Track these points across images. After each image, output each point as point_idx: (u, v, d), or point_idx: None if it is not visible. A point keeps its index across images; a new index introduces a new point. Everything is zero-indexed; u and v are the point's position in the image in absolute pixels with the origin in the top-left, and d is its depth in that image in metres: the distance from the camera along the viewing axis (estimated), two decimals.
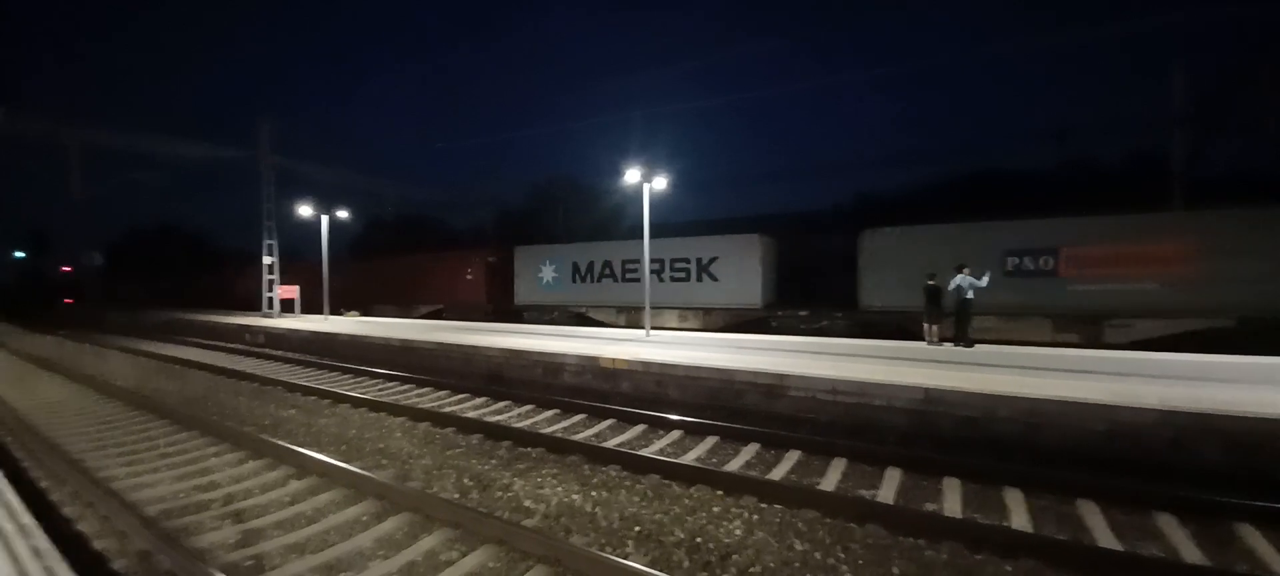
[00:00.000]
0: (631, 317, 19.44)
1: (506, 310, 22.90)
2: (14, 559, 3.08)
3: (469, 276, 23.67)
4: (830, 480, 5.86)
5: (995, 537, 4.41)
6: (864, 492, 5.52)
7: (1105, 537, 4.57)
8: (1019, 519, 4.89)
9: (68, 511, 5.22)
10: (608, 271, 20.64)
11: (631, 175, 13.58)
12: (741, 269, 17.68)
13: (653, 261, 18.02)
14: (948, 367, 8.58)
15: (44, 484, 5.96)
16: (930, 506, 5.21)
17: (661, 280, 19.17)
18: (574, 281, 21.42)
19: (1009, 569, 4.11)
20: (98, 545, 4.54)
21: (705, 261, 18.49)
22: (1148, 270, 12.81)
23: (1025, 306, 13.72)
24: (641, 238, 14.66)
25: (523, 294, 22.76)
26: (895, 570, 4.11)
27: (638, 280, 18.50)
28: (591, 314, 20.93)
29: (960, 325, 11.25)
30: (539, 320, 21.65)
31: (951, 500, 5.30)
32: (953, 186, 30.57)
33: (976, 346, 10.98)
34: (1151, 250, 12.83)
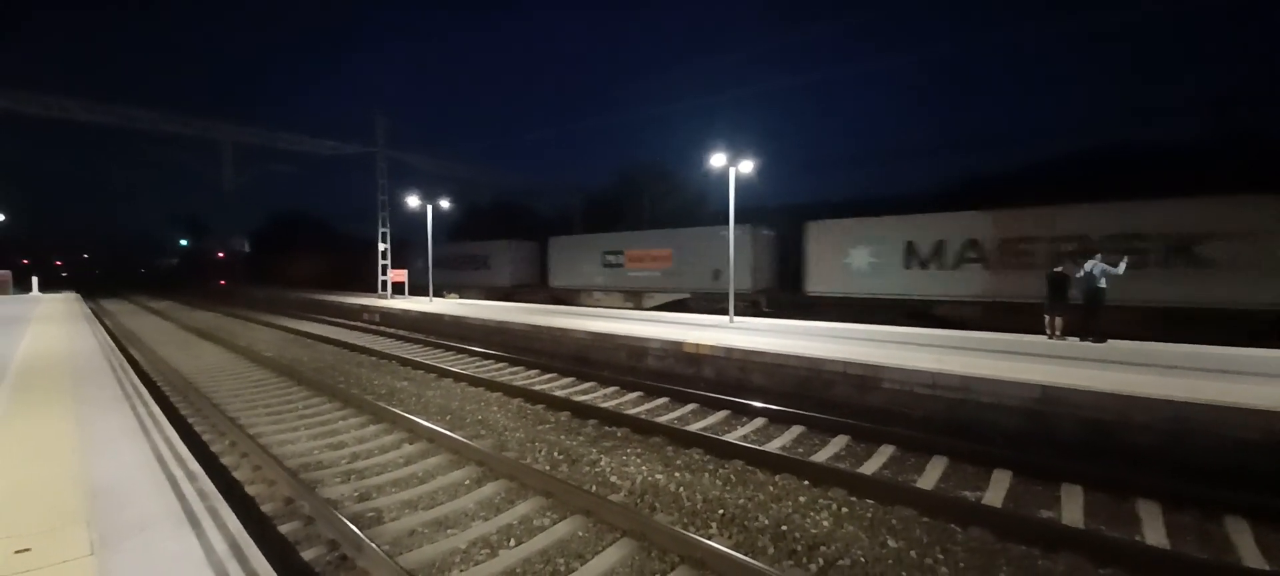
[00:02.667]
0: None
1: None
2: (182, 498, 3.66)
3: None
4: (929, 478, 5.53)
5: (1125, 552, 3.96)
6: (967, 494, 5.16)
7: (1254, 558, 3.98)
8: (1154, 534, 4.36)
9: (226, 460, 6.09)
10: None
11: (717, 160, 13.39)
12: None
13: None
14: (1070, 364, 7.75)
15: (207, 436, 6.98)
16: (1046, 514, 4.77)
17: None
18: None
19: None
20: (251, 490, 5.28)
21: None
22: (656, 265, 22.23)
23: (608, 286, 23.76)
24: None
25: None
26: None
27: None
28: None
29: (1090, 318, 10.07)
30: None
31: (1072, 509, 4.82)
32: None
33: (1109, 342, 9.80)
34: (656, 253, 22.28)
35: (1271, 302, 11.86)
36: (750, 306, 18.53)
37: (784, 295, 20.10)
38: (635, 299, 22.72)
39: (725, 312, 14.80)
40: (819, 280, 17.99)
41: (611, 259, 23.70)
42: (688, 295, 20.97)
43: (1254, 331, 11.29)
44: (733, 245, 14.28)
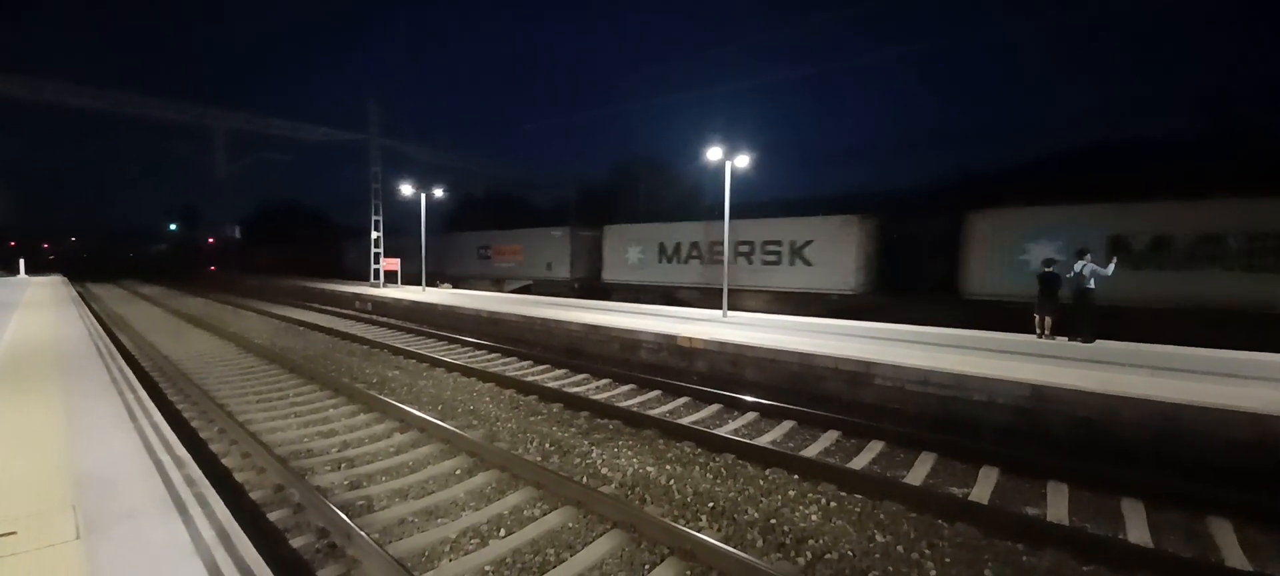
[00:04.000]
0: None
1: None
2: (170, 485, 3.64)
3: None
4: (917, 474, 5.58)
5: (1108, 549, 4.02)
6: (955, 490, 5.21)
7: (1236, 558, 4.05)
8: (1137, 532, 4.42)
9: (215, 447, 6.06)
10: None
11: (713, 153, 13.37)
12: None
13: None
14: (1060, 363, 7.82)
15: (195, 422, 6.94)
16: (1032, 510, 4.83)
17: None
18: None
19: None
20: (240, 477, 5.25)
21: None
22: (514, 259, 26.61)
23: (481, 273, 28.25)
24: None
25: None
26: (987, 572, 3.87)
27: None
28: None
29: (1079, 318, 10.17)
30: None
31: (1057, 505, 4.88)
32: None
33: (1097, 342, 9.90)
34: (512, 249, 26.74)
35: None
36: (569, 289, 23.45)
37: (595, 283, 23.93)
38: (498, 283, 27.41)
39: (549, 294, 15.79)
40: (609, 271, 23.11)
41: (483, 252, 28.63)
42: (531, 282, 25.74)
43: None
44: (728, 236, 14.30)
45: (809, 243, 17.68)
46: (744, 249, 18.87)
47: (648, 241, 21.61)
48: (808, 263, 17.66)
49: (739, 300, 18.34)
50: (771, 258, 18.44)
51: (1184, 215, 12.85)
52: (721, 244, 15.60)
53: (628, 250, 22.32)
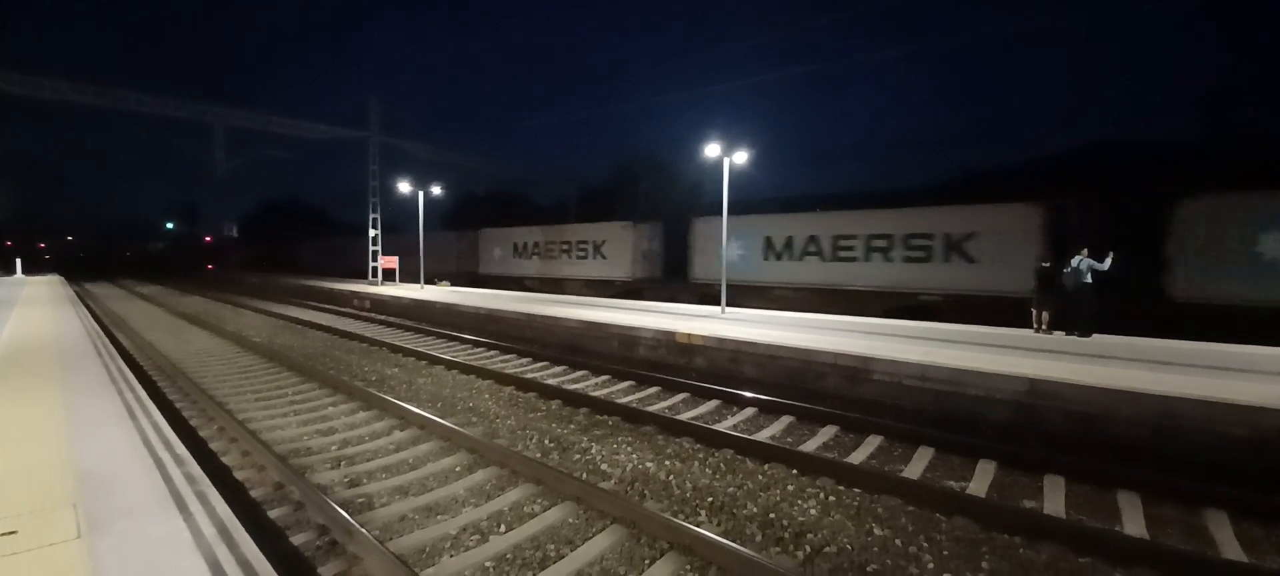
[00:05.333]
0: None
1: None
2: (170, 482, 3.64)
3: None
4: (915, 468, 5.60)
5: (1106, 542, 4.04)
6: (953, 483, 5.23)
7: (1233, 551, 4.07)
8: (1134, 526, 4.45)
9: (215, 445, 6.07)
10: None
11: (711, 149, 13.37)
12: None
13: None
14: (1057, 358, 7.84)
15: (194, 420, 6.95)
16: (1030, 504, 4.85)
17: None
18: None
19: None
20: (240, 475, 5.26)
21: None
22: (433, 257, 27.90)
23: (333, 267, 34.50)
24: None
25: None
26: (985, 566, 3.89)
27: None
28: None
29: (1077, 313, 10.20)
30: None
31: (1054, 499, 4.90)
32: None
33: (1095, 336, 9.94)
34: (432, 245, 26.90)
35: None
36: (440, 279, 27.69)
37: (475, 274, 28.93)
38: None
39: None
40: (484, 266, 28.66)
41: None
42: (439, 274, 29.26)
43: None
44: (725, 232, 14.31)
45: (604, 241, 22.87)
46: (564, 247, 24.73)
47: (505, 241, 27.82)
48: (603, 257, 23.00)
49: (562, 287, 23.84)
50: (582, 253, 23.81)
51: (845, 222, 16.93)
52: (555, 243, 23.89)
53: (495, 249, 28.36)
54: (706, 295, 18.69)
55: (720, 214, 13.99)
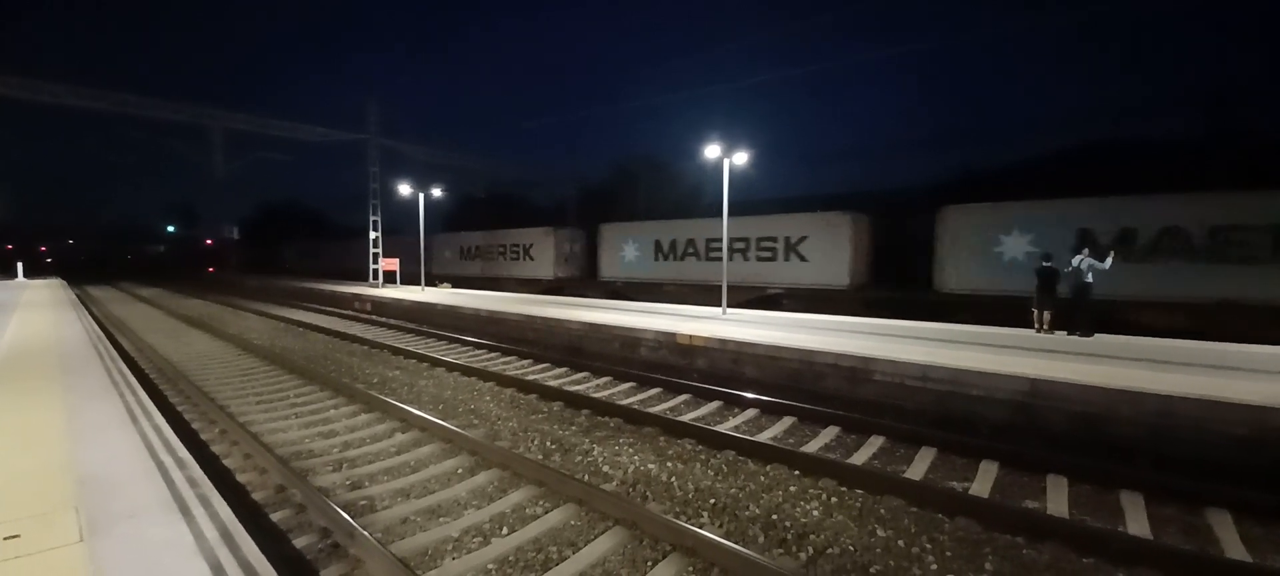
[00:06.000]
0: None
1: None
2: (172, 486, 3.64)
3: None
4: (917, 469, 5.59)
5: (1108, 542, 4.03)
6: (955, 484, 5.23)
7: (1236, 551, 4.07)
8: (1137, 525, 4.44)
9: (217, 448, 6.07)
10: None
11: (711, 151, 13.36)
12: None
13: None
14: (1059, 358, 7.84)
15: (196, 424, 6.95)
16: (1032, 504, 4.84)
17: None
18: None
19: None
20: (242, 478, 5.26)
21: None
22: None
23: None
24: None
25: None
26: (988, 566, 3.88)
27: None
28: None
29: (1078, 312, 10.19)
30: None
31: (1057, 499, 4.90)
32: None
33: (1096, 336, 9.93)
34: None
35: None
36: (442, 281, 28.41)
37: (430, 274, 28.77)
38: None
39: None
40: (436, 266, 30.04)
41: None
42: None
43: None
44: (727, 233, 14.31)
45: (532, 244, 25.83)
46: (500, 250, 27.31)
47: (454, 245, 30.96)
48: (531, 259, 25.90)
49: (499, 285, 25.82)
50: (515, 255, 26.76)
51: (713, 227, 18.79)
52: (493, 246, 27.22)
53: (445, 252, 31.25)
54: (612, 292, 22.08)
55: (627, 221, 19.76)
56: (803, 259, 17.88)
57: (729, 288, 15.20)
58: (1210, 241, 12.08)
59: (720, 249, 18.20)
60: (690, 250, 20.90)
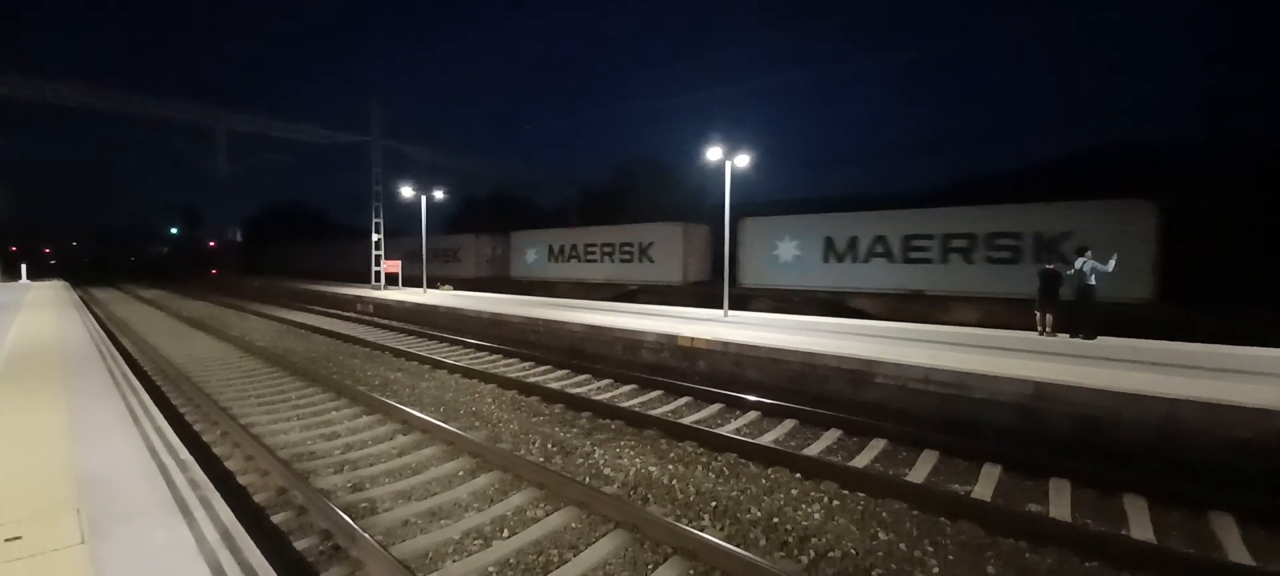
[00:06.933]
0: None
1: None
2: (173, 487, 3.64)
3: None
4: (919, 472, 5.58)
5: (1111, 546, 4.01)
6: (957, 487, 5.21)
7: (1240, 555, 4.04)
8: (1140, 530, 4.42)
9: (218, 450, 6.07)
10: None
11: (712, 154, 13.36)
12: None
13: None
14: (1062, 361, 7.81)
15: (198, 425, 6.95)
16: (1035, 508, 4.82)
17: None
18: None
19: None
20: (243, 480, 5.26)
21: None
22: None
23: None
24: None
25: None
26: (991, 570, 3.87)
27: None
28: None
29: (1081, 315, 10.17)
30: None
31: (1060, 504, 4.87)
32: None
33: (1099, 338, 9.90)
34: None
35: None
36: (444, 283, 28.74)
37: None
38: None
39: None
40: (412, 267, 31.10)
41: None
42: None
43: None
44: (728, 235, 14.31)
45: (459, 248, 29.85)
46: (438, 253, 29.92)
47: (405, 250, 31.51)
48: (458, 261, 29.79)
49: (437, 284, 26.79)
50: (448, 258, 30.41)
51: (590, 234, 24.20)
52: (434, 249, 28.40)
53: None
54: (524, 287, 26.10)
55: (539, 227, 25.56)
56: (651, 260, 21.89)
57: (597, 284, 18.27)
58: (903, 247, 15.90)
59: (595, 252, 23.79)
60: (573, 253, 24.70)
